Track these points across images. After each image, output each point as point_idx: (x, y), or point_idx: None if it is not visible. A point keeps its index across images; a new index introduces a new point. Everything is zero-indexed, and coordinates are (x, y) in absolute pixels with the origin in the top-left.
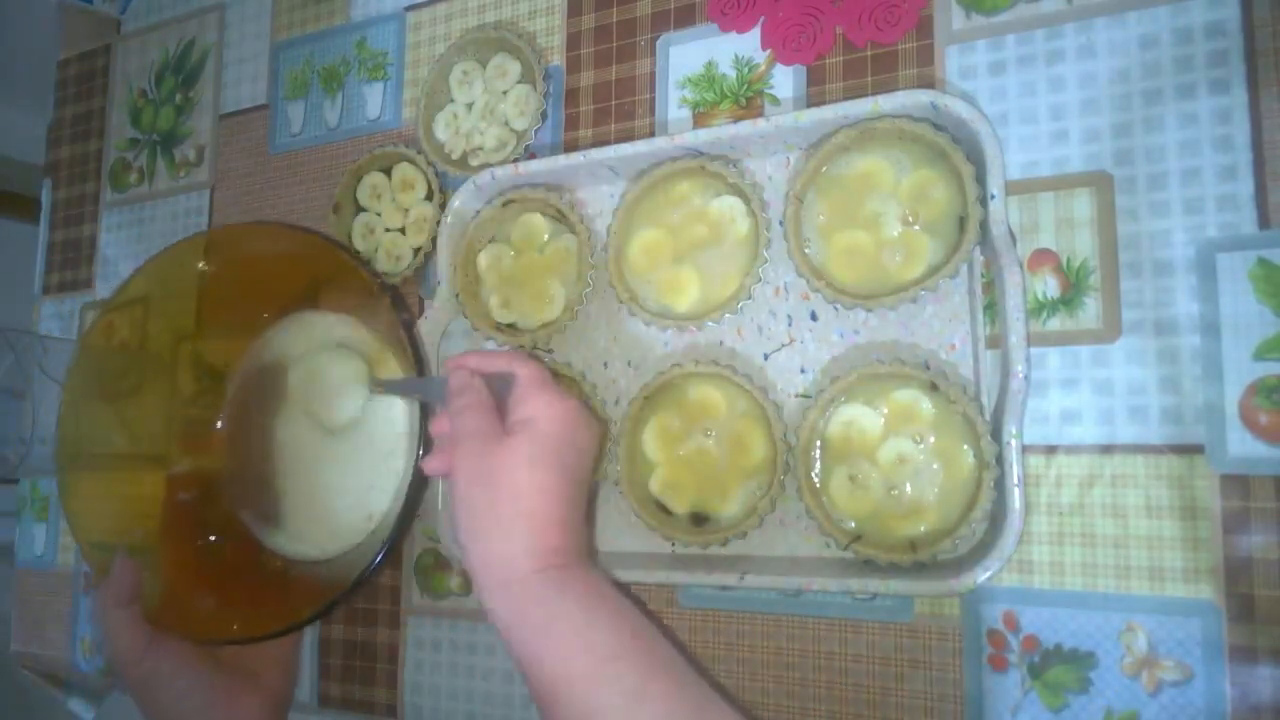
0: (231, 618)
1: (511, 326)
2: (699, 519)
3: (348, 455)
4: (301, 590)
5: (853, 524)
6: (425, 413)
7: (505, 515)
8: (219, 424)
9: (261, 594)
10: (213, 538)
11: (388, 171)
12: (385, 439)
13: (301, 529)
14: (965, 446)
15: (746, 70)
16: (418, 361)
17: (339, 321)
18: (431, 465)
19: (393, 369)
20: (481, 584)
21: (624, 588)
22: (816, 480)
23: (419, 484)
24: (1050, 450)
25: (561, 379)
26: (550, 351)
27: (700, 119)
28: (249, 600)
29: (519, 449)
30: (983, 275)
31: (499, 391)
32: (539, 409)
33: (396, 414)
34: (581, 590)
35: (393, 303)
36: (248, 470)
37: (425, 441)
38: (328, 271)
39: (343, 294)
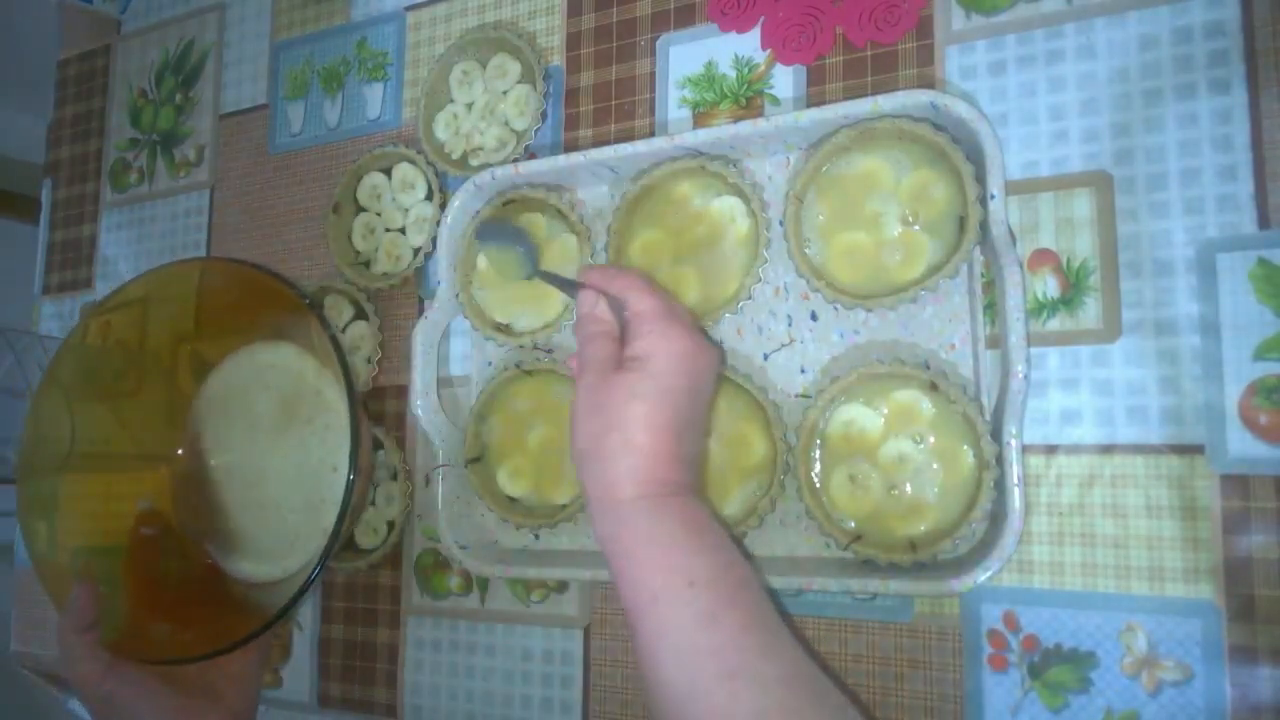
0: (190, 639)
1: (511, 326)
2: None
3: (291, 472)
4: (261, 609)
5: (853, 524)
6: (357, 427)
7: (612, 447)
8: (174, 461)
9: (221, 616)
10: (178, 572)
11: (388, 171)
12: (326, 452)
13: (261, 551)
14: (965, 446)
15: (746, 70)
16: (348, 379)
17: (272, 348)
18: (572, 368)
19: (333, 388)
20: (590, 505)
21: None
22: (816, 480)
23: (360, 500)
24: (1050, 450)
25: (676, 307)
26: (550, 351)
27: (700, 119)
28: (209, 622)
29: (632, 386)
30: (983, 275)
31: (620, 311)
32: (652, 347)
33: (334, 429)
34: (677, 518)
35: (320, 320)
36: (202, 502)
37: (358, 457)
38: (258, 299)
39: (276, 317)
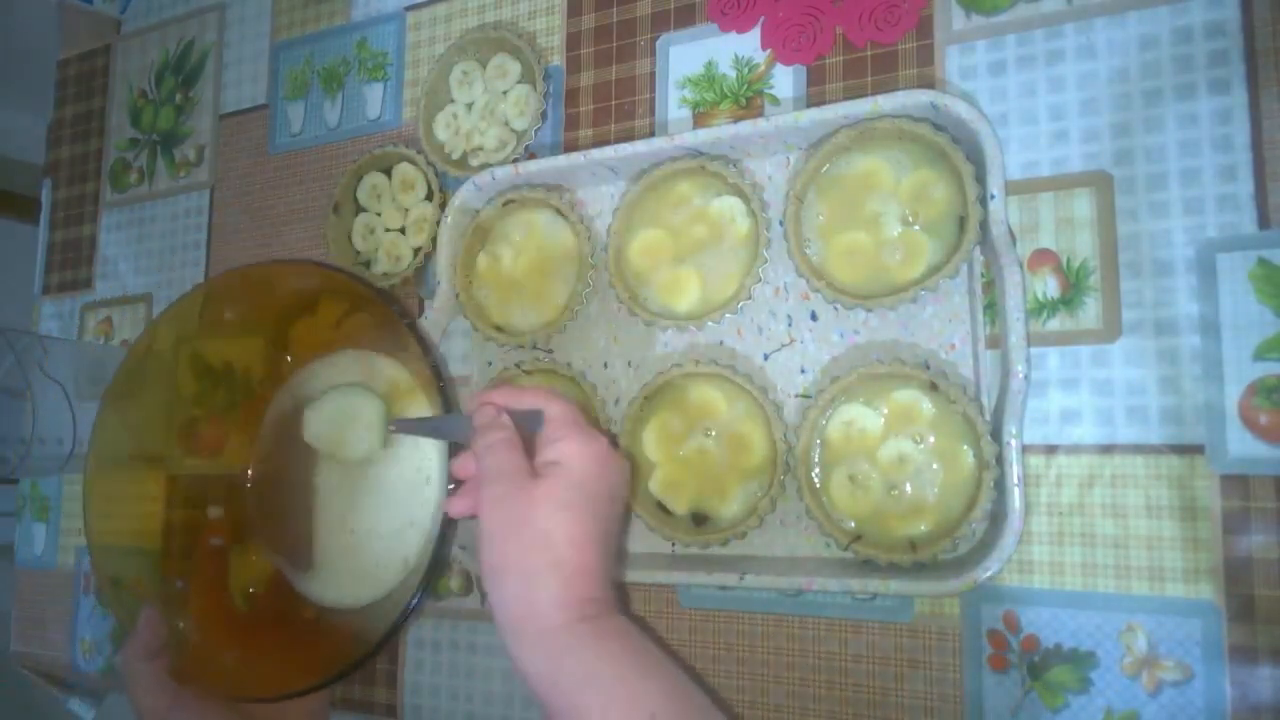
0: (260, 672)
1: (511, 326)
2: (699, 519)
3: (380, 498)
4: (332, 643)
5: (853, 524)
6: (452, 452)
7: (535, 565)
8: (249, 470)
9: (291, 647)
10: (250, 589)
11: (388, 171)
12: (416, 480)
13: (335, 576)
14: (965, 446)
15: (746, 70)
16: (445, 401)
17: (361, 359)
18: (456, 507)
19: (420, 406)
20: (509, 633)
21: (651, 632)
22: (816, 480)
23: (450, 526)
24: (1050, 450)
25: (589, 420)
26: (550, 352)
27: (700, 119)
28: (278, 653)
29: (550, 493)
30: (983, 275)
31: (527, 429)
32: (569, 451)
33: (427, 453)
34: (619, 642)
35: (419, 339)
36: (279, 515)
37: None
38: (349, 306)
39: (366, 329)
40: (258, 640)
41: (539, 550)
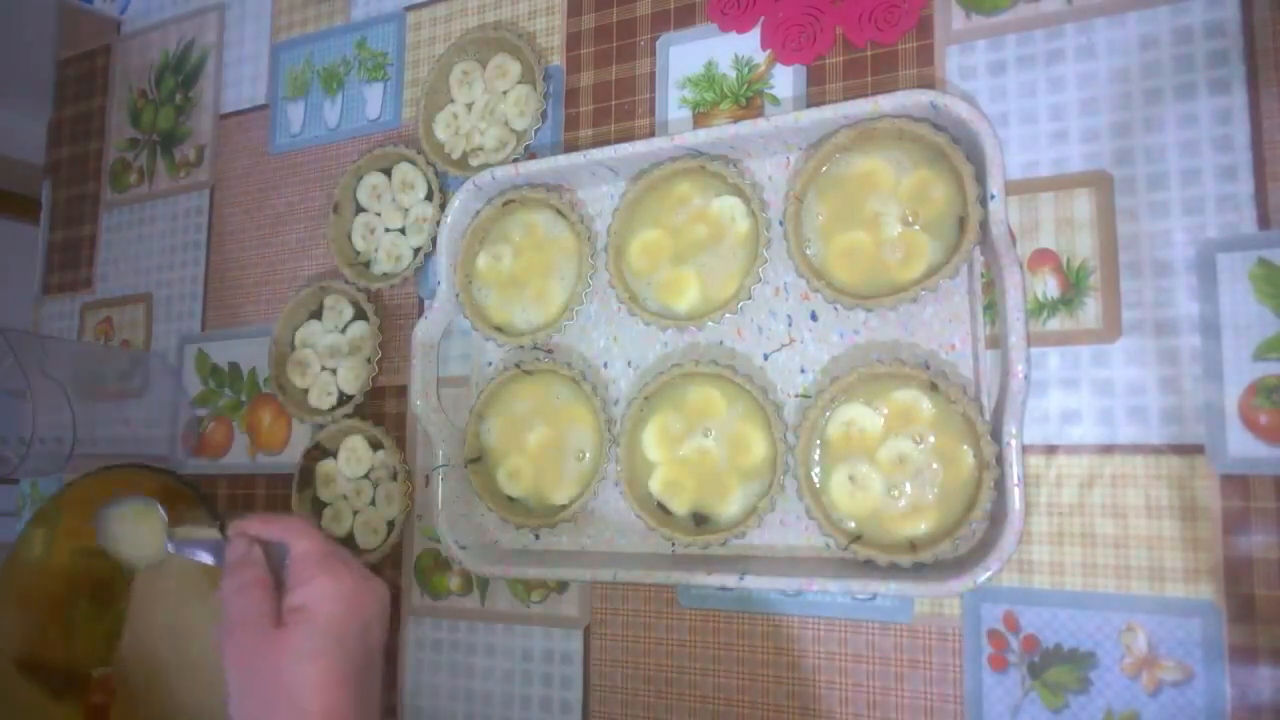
0: None
1: (511, 326)
2: (699, 519)
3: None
4: None
5: (853, 524)
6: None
7: (276, 717)
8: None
9: None
10: None
11: (388, 171)
12: None
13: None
14: (965, 446)
15: (746, 70)
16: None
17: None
18: (212, 644)
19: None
20: None
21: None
22: (816, 480)
23: None
24: (1050, 450)
25: (338, 551)
26: (550, 352)
27: (700, 119)
28: None
29: (294, 643)
30: (983, 275)
31: (279, 558)
32: (314, 593)
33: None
34: None
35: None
36: (146, 702)
37: None
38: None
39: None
40: None
41: (283, 704)
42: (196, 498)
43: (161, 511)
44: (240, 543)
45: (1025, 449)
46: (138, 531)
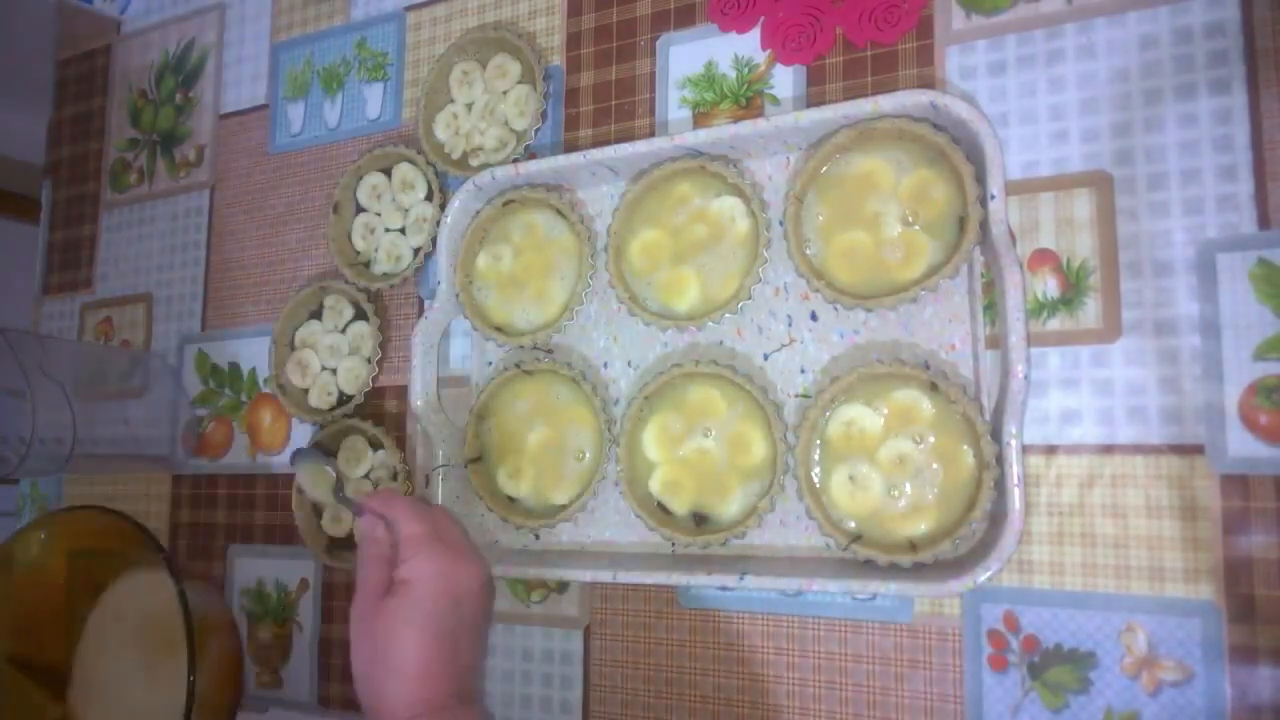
0: None
1: (511, 326)
2: (699, 519)
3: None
4: None
5: (853, 524)
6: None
7: (381, 670)
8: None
9: None
10: None
11: (388, 171)
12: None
13: None
14: (965, 446)
15: (746, 70)
16: (186, 615)
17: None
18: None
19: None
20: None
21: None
22: (816, 480)
23: None
24: (1050, 450)
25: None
26: (550, 352)
27: (700, 119)
28: None
29: (396, 611)
30: (983, 275)
31: (396, 534)
32: (415, 571)
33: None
34: None
35: (168, 563)
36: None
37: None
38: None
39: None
40: None
41: (382, 658)
42: (146, 540)
43: (331, 471)
44: (370, 519)
45: (1025, 449)
46: (318, 481)
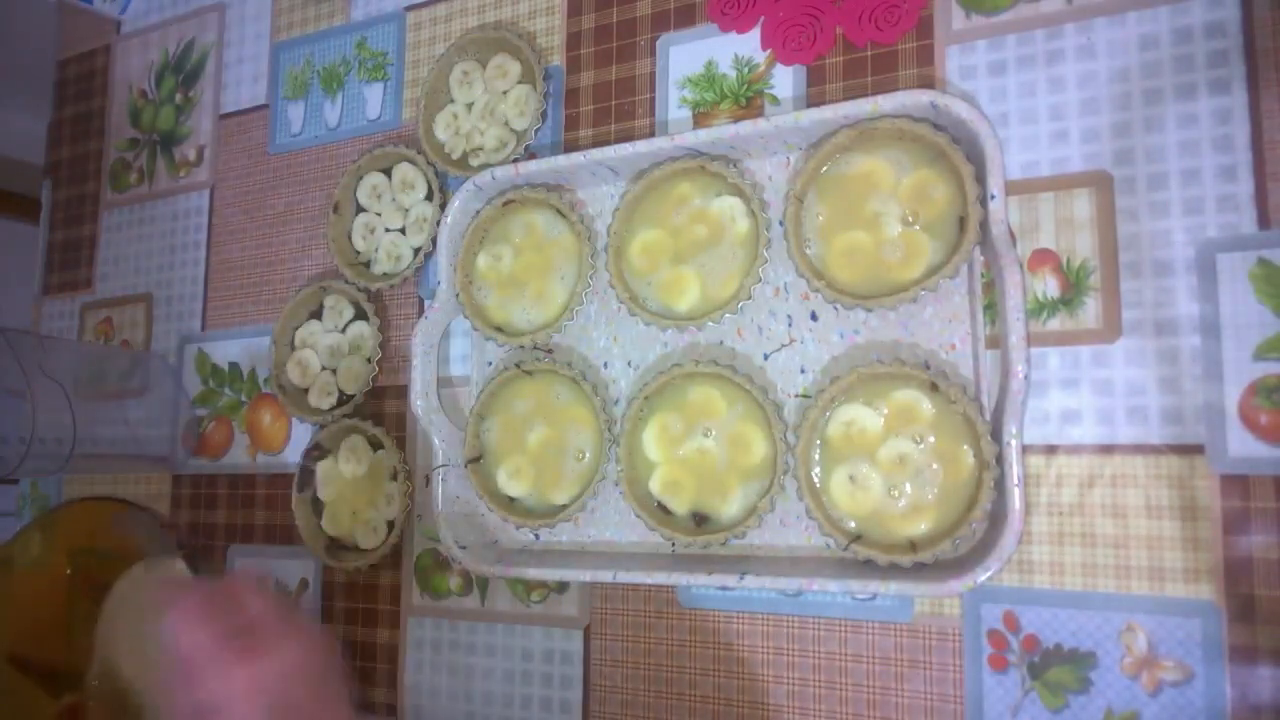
0: None
1: (511, 326)
2: (699, 519)
3: None
4: None
5: (853, 524)
6: None
7: None
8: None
9: None
10: None
11: (388, 171)
12: None
13: None
14: (965, 446)
15: (746, 70)
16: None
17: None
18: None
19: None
20: None
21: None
22: (816, 480)
23: None
24: (1050, 450)
25: None
26: (550, 352)
27: (700, 119)
28: None
29: None
30: (983, 275)
31: None
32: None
33: None
34: None
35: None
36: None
37: None
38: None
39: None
40: None
41: None
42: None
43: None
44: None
45: (1025, 449)
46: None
